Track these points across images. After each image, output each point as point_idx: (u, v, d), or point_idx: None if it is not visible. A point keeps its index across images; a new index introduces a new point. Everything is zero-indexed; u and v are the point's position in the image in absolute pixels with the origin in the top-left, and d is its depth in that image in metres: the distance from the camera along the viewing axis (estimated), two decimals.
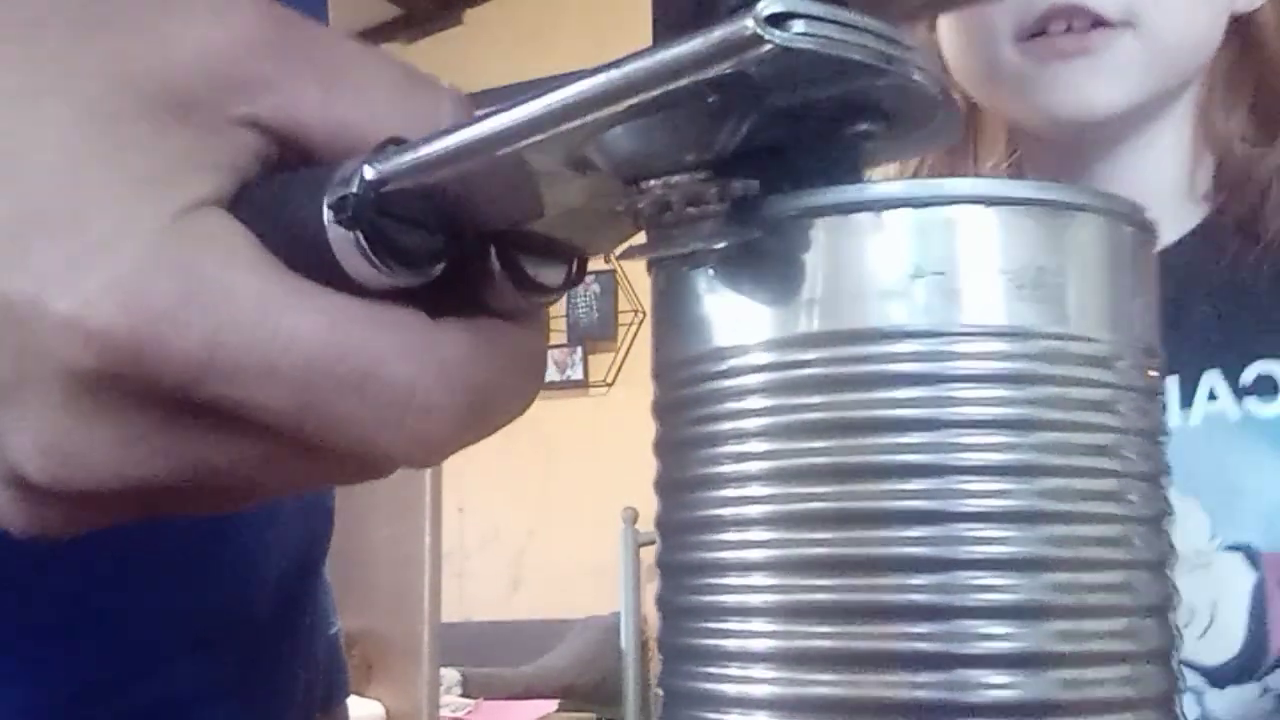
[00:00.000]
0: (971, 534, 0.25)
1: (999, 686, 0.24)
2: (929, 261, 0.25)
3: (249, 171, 0.26)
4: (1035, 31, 0.74)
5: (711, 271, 0.27)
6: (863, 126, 0.25)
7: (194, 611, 0.47)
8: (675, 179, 0.24)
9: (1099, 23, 0.73)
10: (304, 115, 0.26)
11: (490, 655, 3.58)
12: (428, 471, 2.25)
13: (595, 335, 4.09)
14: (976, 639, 0.25)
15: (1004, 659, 0.25)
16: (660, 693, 0.28)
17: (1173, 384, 0.75)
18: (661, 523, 0.28)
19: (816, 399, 0.26)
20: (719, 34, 0.21)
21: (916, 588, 0.25)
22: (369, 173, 0.25)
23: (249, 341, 0.25)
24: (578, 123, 0.23)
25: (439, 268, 0.26)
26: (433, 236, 0.26)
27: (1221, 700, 0.73)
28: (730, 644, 0.26)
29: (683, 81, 0.22)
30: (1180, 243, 0.80)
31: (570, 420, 3.84)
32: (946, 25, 0.80)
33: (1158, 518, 0.27)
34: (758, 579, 0.26)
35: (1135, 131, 0.78)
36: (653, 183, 0.24)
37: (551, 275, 0.28)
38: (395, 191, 0.25)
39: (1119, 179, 0.79)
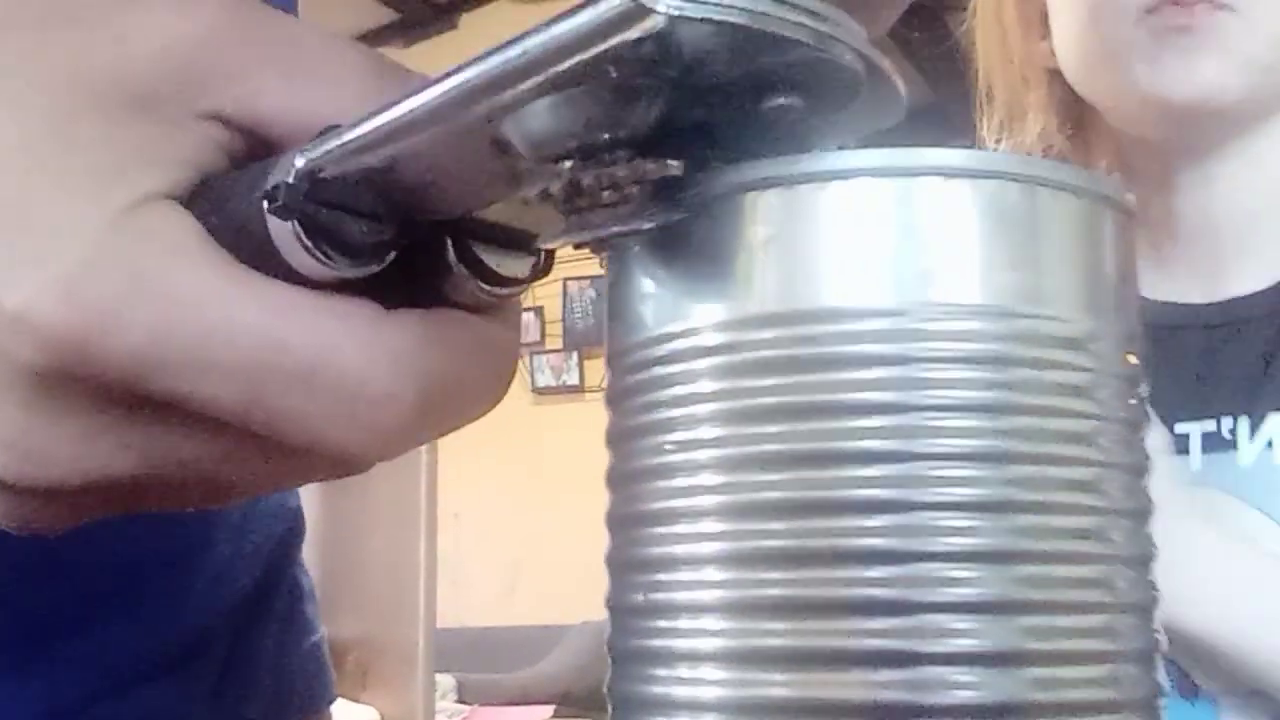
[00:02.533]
0: (937, 523, 0.23)
1: (964, 686, 0.23)
2: (895, 236, 0.24)
3: (211, 165, 0.26)
4: (1155, 7, 0.77)
5: (659, 252, 0.25)
6: (778, 101, 0.24)
7: (167, 628, 0.47)
8: (589, 160, 0.23)
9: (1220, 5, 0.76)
10: (268, 108, 0.26)
11: (486, 661, 3.57)
12: (423, 477, 2.25)
13: (591, 341, 4.09)
14: (941, 635, 0.23)
15: (970, 657, 0.23)
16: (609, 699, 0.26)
17: (1277, 422, 0.75)
18: (610, 517, 0.27)
19: (770, 381, 0.24)
20: (605, 6, 0.21)
21: (877, 581, 0.23)
22: (299, 160, 0.24)
23: (192, 335, 0.24)
24: (482, 105, 0.22)
25: (388, 258, 0.26)
26: (380, 226, 0.25)
27: None
28: (680, 644, 0.24)
29: (578, 58, 0.21)
30: None
31: (566, 425, 3.82)
32: (1066, 8, 0.82)
33: (1139, 513, 0.25)
34: (709, 574, 0.24)
35: (1239, 138, 0.79)
36: (567, 164, 0.23)
37: (516, 267, 0.27)
38: (335, 180, 0.24)
39: (1222, 194, 0.79)
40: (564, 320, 4.12)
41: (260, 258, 0.25)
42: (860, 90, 0.23)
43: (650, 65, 0.22)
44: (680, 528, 0.25)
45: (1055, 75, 0.85)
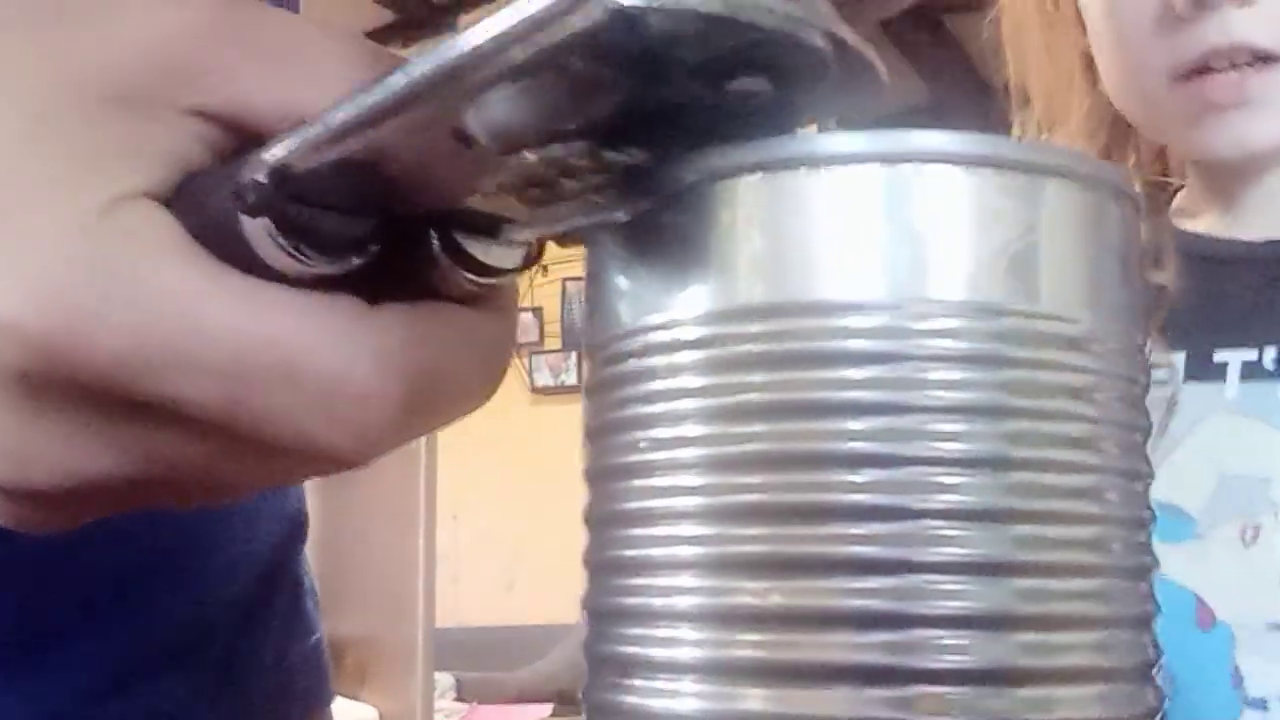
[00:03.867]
0: (930, 532, 0.22)
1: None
2: (885, 225, 0.23)
3: (198, 162, 0.26)
4: (1194, 69, 0.73)
5: (637, 242, 0.24)
6: (744, 84, 0.22)
7: (168, 627, 0.47)
8: (548, 150, 0.23)
9: (1261, 57, 0.72)
10: (254, 102, 0.26)
11: (484, 660, 3.56)
12: (421, 477, 2.25)
13: None
14: (934, 651, 0.22)
15: (962, 675, 0.22)
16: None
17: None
18: (588, 516, 0.26)
19: (753, 378, 0.23)
20: None
21: (867, 591, 0.22)
22: (266, 156, 0.24)
23: (171, 335, 0.24)
24: (437, 97, 0.22)
25: (368, 253, 0.25)
26: (357, 220, 0.25)
27: None
28: (656, 653, 0.23)
29: (530, 48, 0.21)
30: None
31: (564, 425, 3.81)
32: (1104, 56, 0.79)
33: (1138, 521, 0.24)
34: (688, 579, 0.23)
35: None
36: (527, 155, 0.23)
37: (505, 256, 0.27)
38: (306, 175, 0.24)
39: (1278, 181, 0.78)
40: (562, 320, 4.11)
41: (240, 256, 0.25)
42: (828, 70, 0.22)
43: (606, 53, 0.21)
44: (659, 529, 0.23)
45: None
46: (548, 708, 3.42)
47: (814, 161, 0.23)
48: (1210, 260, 0.76)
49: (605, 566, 0.25)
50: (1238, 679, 0.69)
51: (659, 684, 0.23)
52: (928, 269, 0.23)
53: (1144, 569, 0.24)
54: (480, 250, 0.26)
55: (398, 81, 0.22)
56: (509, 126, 0.22)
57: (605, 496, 0.25)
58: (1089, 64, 0.82)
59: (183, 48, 0.25)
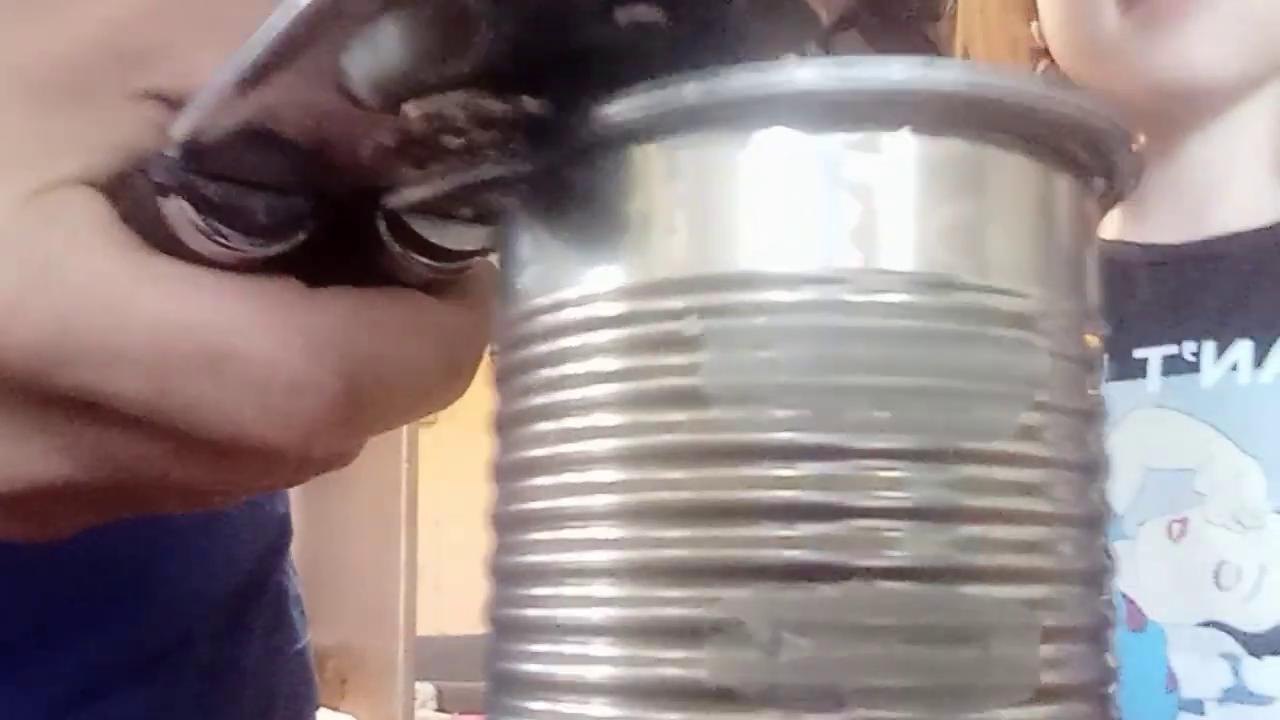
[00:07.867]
0: (872, 534, 0.20)
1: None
2: (818, 189, 0.20)
3: (150, 146, 0.24)
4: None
5: (546, 209, 0.22)
6: (635, 15, 0.20)
7: (148, 633, 0.46)
8: (431, 102, 0.21)
9: None
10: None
11: (466, 669, 3.54)
12: (403, 484, 2.24)
13: None
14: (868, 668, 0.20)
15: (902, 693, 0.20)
16: None
17: (1246, 347, 0.74)
18: (493, 517, 0.23)
19: (678, 360, 0.20)
20: None
21: (801, 604, 0.20)
22: (173, 131, 0.23)
23: (94, 325, 0.23)
24: (315, 36, 0.20)
25: (299, 235, 0.24)
26: (286, 199, 0.23)
27: (1259, 671, 0.70)
28: (562, 671, 0.21)
29: None
30: (1272, 228, 0.78)
31: None
32: (1053, 13, 0.80)
33: (1091, 520, 0.22)
34: (601, 588, 0.21)
35: (1231, 107, 0.78)
36: (406, 108, 0.21)
37: (461, 238, 0.25)
38: (217, 149, 0.22)
39: (1211, 159, 0.78)
40: None
41: (166, 242, 0.24)
42: None
43: None
44: (569, 531, 0.21)
45: (1040, 55, 0.84)
46: None
47: (732, 115, 0.20)
48: (1125, 265, 0.76)
49: (510, 574, 0.22)
50: (1172, 681, 0.68)
51: (565, 706, 0.21)
52: (863, 239, 0.20)
53: (1096, 573, 0.22)
54: (434, 232, 0.24)
55: (273, 28, 0.20)
56: (388, 75, 0.20)
57: (512, 495, 0.22)
58: (1032, 55, 0.83)
59: (129, 30, 0.25)
